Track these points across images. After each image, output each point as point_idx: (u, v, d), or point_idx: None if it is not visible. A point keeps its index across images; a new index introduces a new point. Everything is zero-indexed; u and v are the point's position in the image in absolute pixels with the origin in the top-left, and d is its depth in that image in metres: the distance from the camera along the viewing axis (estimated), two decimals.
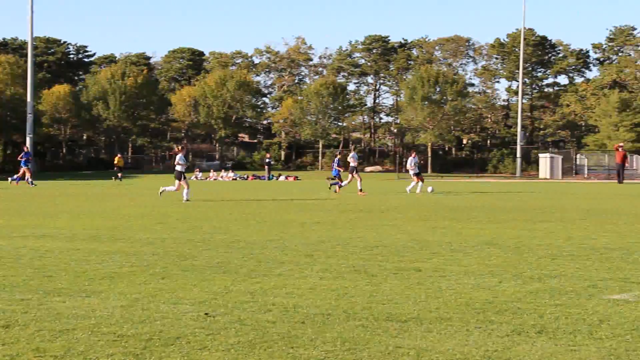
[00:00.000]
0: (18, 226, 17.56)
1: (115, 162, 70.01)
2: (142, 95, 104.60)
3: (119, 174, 65.76)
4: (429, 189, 35.15)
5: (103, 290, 8.97)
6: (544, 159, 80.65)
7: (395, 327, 7.09)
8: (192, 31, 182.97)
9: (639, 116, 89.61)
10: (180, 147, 30.25)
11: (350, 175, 37.22)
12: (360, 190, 35.48)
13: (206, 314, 7.63)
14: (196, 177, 74.95)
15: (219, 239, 14.65)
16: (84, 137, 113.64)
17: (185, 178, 28.58)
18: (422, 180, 35.93)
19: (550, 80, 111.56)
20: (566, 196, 34.15)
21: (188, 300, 8.38)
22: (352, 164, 37.18)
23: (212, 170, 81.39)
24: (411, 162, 36.17)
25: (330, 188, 37.62)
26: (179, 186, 28.62)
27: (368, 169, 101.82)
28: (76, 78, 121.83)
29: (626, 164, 53.79)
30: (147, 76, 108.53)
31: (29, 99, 73.55)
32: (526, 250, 12.84)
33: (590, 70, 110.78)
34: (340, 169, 38.00)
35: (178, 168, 28.57)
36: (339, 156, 38.93)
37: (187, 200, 27.83)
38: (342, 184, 37.16)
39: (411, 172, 36.03)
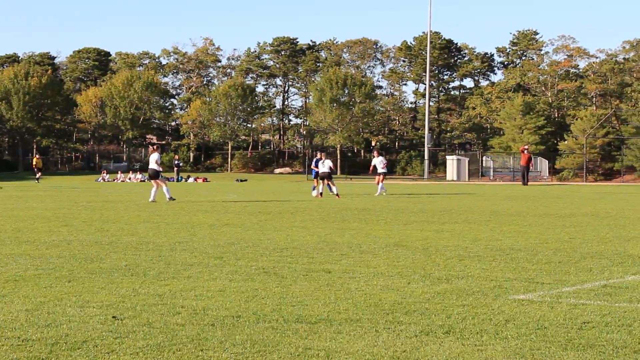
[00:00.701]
0: None
1: (34, 163, 68.06)
2: (46, 96, 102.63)
3: (38, 175, 63.68)
4: (313, 193, 33.64)
5: (7, 294, 8.79)
6: (451, 161, 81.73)
7: (305, 328, 7.11)
8: (98, 31, 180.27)
9: (542, 119, 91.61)
10: (155, 147, 30.26)
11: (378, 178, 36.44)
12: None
13: (114, 317, 7.54)
14: (103, 179, 73.87)
15: (127, 241, 14.49)
16: None
17: (162, 177, 28.46)
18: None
19: (457, 83, 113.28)
20: (473, 198, 34.71)
21: (95, 303, 8.27)
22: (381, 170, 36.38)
23: (119, 172, 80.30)
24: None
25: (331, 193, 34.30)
26: (158, 185, 28.39)
27: (277, 170, 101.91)
28: None
29: (531, 166, 54.91)
30: (51, 76, 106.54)
31: None
32: (434, 251, 13.01)
33: (495, 74, 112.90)
34: (317, 169, 35.07)
35: (155, 167, 28.32)
36: (320, 156, 35.31)
37: (171, 198, 27.64)
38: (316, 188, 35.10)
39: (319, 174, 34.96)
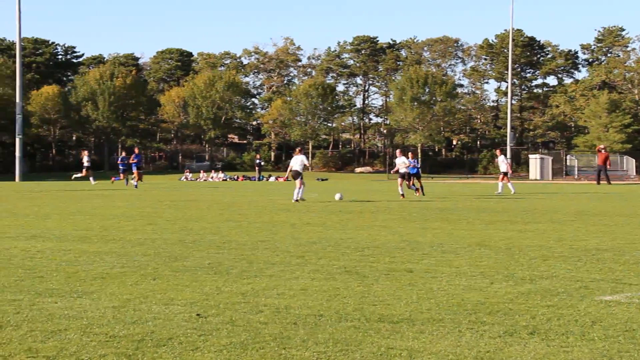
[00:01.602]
0: (8, 226, 17.50)
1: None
2: (131, 96, 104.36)
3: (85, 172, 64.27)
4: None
5: (94, 291, 8.95)
6: (534, 160, 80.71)
7: (387, 328, 7.09)
8: (181, 32, 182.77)
9: (628, 117, 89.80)
10: (299, 149, 31.96)
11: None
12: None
13: (198, 314, 7.62)
14: (186, 178, 74.83)
15: (210, 239, 14.63)
16: (74, 138, 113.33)
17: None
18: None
19: (539, 81, 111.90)
20: (556, 197, 34.20)
21: (180, 301, 8.37)
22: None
23: (202, 171, 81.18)
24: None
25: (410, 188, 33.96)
26: (300, 185, 29.18)
27: (358, 169, 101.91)
28: (65, 79, 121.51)
29: (608, 166, 53.87)
30: (135, 77, 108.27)
31: (17, 99, 73.28)
32: (517, 251, 12.85)
33: (579, 71, 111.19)
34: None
35: (298, 169, 29.69)
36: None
37: (301, 199, 29.05)
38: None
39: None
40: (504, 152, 40.18)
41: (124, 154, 53.31)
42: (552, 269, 10.81)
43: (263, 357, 6.12)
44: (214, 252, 12.60)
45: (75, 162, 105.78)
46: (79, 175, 51.78)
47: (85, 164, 50.49)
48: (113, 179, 49.23)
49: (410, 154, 35.09)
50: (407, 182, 33.54)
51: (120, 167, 49.18)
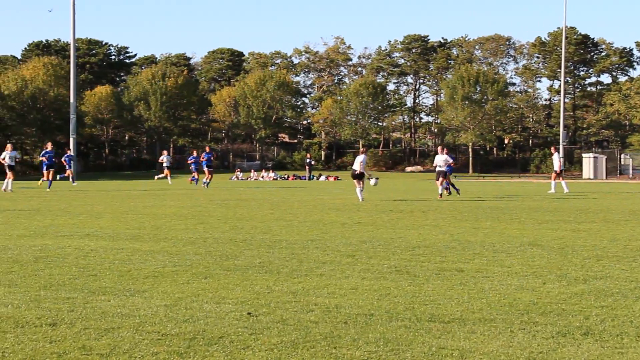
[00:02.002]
0: (63, 225, 17.73)
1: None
2: (182, 96, 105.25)
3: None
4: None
5: (147, 290, 9.03)
6: (588, 159, 79.88)
7: (438, 327, 7.06)
8: (232, 32, 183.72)
9: None
10: (364, 149, 31.49)
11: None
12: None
13: (249, 313, 7.65)
14: (237, 177, 75.23)
15: (261, 238, 14.68)
16: (126, 138, 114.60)
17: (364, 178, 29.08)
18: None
19: (593, 79, 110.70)
20: (611, 196, 33.80)
21: (231, 299, 8.41)
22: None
23: (252, 171, 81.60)
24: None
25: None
26: (361, 185, 28.97)
27: (408, 168, 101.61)
28: (117, 79, 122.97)
29: None
30: (187, 77, 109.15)
31: (71, 99, 74.20)
32: (570, 251, 12.72)
33: (634, 69, 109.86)
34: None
35: (357, 168, 28.87)
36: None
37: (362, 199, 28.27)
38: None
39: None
40: (557, 150, 39.69)
41: (195, 153, 52.98)
42: (606, 269, 10.68)
43: (313, 356, 6.13)
44: (264, 251, 12.64)
45: (127, 161, 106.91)
46: (161, 175, 52.79)
47: (165, 163, 51.39)
48: (190, 179, 49.21)
49: (445, 150, 33.25)
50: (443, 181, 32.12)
51: (193, 166, 49.14)
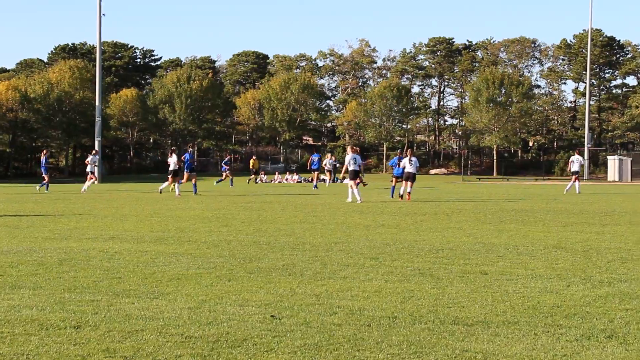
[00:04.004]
0: (87, 228, 17.83)
1: (251, 165, 68.59)
2: (207, 99, 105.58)
3: (253, 176, 64.15)
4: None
5: (170, 292, 9.06)
6: (613, 161, 79.41)
7: (461, 330, 7.04)
8: (256, 35, 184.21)
9: None
10: (409, 151, 31.68)
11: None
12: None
13: (272, 316, 7.66)
14: (261, 180, 75.27)
15: (284, 241, 14.70)
16: (151, 140, 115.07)
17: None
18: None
19: (619, 81, 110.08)
20: (636, 199, 33.58)
21: (254, 302, 8.43)
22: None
23: (277, 173, 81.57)
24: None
25: None
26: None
27: (433, 171, 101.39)
28: (143, 82, 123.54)
29: None
30: (212, 80, 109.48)
31: (97, 102, 74.71)
32: (594, 253, 12.65)
33: None
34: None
35: (411, 170, 30.28)
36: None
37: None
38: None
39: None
40: (581, 154, 39.62)
41: (228, 156, 56.62)
42: (630, 271, 10.61)
43: (337, 358, 6.14)
44: (288, 254, 12.65)
45: (152, 164, 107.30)
46: (221, 179, 55.06)
47: (224, 166, 53.50)
48: (249, 180, 52.39)
49: (409, 152, 31.54)
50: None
51: (223, 168, 51.66)
